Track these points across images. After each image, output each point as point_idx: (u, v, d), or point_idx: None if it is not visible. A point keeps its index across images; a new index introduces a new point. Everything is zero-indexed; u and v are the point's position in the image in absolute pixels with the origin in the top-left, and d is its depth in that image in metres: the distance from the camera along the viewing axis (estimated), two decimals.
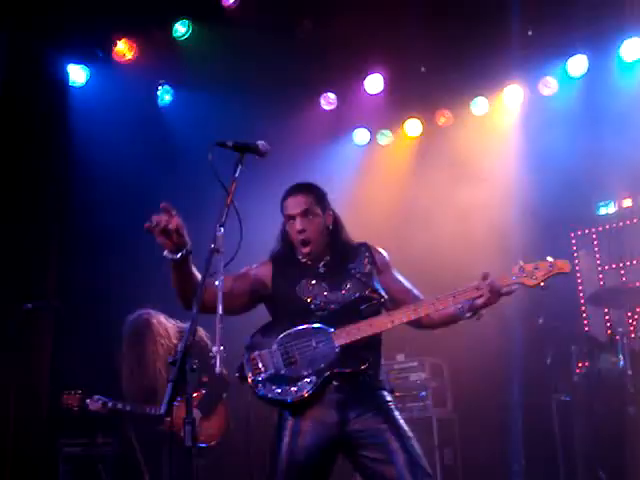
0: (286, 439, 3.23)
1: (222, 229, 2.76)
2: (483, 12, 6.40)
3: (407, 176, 7.66)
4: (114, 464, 6.10)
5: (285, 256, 3.57)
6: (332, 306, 3.37)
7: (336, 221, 3.60)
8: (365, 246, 3.59)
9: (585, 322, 7.21)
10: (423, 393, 6.44)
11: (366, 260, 3.52)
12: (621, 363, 5.79)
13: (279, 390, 3.23)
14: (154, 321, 5.33)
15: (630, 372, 5.72)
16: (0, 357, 5.31)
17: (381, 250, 3.60)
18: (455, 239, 6.94)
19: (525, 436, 6.60)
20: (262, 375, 3.27)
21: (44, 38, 6.53)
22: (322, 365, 3.23)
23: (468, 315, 3.27)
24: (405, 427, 3.24)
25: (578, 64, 7.01)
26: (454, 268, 5.95)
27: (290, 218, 3.48)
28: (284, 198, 3.52)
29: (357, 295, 3.38)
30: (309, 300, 3.40)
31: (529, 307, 6.58)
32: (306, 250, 3.46)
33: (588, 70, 7.00)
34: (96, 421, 5.92)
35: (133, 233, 6.69)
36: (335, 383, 3.25)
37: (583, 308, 7.27)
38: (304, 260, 3.52)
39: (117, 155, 6.63)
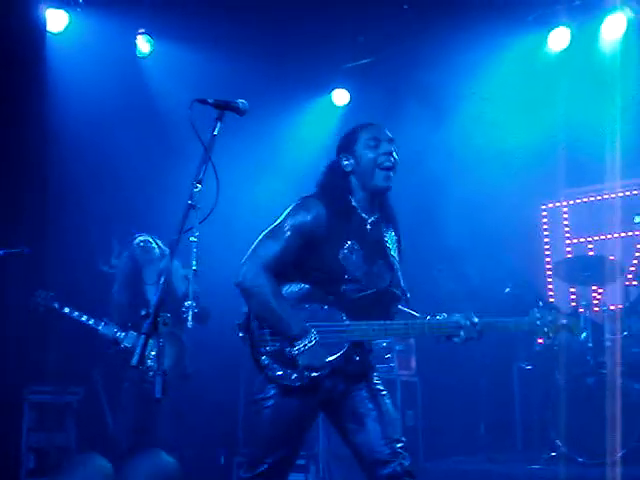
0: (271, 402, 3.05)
1: (199, 185, 2.77)
2: None
3: None
4: (79, 411, 6.16)
5: (337, 199, 3.16)
6: (361, 285, 3.09)
7: None
8: (395, 223, 3.30)
9: (551, 294, 7.36)
10: (388, 355, 6.54)
11: (394, 237, 3.27)
12: (583, 335, 5.92)
13: (280, 372, 2.99)
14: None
15: (591, 344, 5.86)
16: None
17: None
18: None
19: (485, 401, 6.75)
20: (268, 347, 3.03)
21: None
22: (325, 359, 2.98)
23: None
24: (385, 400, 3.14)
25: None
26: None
27: (374, 141, 3.15)
28: (360, 129, 3.21)
29: (385, 284, 3.14)
30: (349, 268, 3.08)
31: (497, 275, 6.71)
32: (387, 185, 3.14)
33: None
34: (65, 372, 5.97)
35: (109, 183, 6.78)
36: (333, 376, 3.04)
37: (550, 280, 7.42)
38: (359, 208, 3.17)
39: (95, 106, 6.57)
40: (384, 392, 3.17)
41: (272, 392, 3.03)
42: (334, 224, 3.07)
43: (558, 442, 5.53)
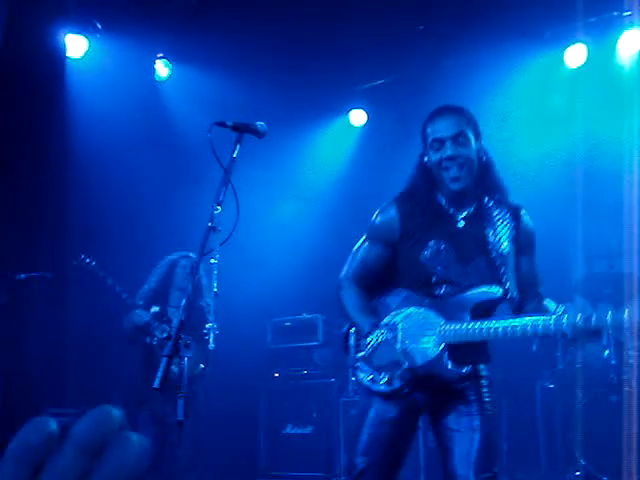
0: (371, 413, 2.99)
1: (219, 207, 2.80)
2: None
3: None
4: None
5: (419, 197, 3.02)
6: (451, 287, 2.94)
7: (488, 156, 3.05)
8: (515, 210, 3.04)
9: None
10: None
11: (507, 230, 2.99)
12: (606, 353, 5.87)
13: (370, 377, 2.96)
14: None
15: (614, 362, 5.80)
16: None
17: (529, 222, 3.07)
18: None
19: (507, 421, 6.68)
20: (361, 354, 2.99)
21: (43, 8, 6.48)
22: (419, 363, 2.89)
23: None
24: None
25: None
26: None
27: (437, 143, 2.96)
28: (428, 121, 3.05)
29: (477, 285, 2.91)
30: (434, 270, 2.94)
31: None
32: (458, 188, 2.93)
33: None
34: (86, 394, 5.98)
35: (130, 209, 6.84)
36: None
37: (573, 296, 7.36)
38: (446, 204, 3.01)
39: (114, 129, 6.64)
40: (479, 416, 2.96)
41: (361, 395, 3.03)
42: (410, 225, 2.98)
43: (582, 462, 5.47)
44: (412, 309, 2.93)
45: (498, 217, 3.00)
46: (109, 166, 6.62)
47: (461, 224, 2.98)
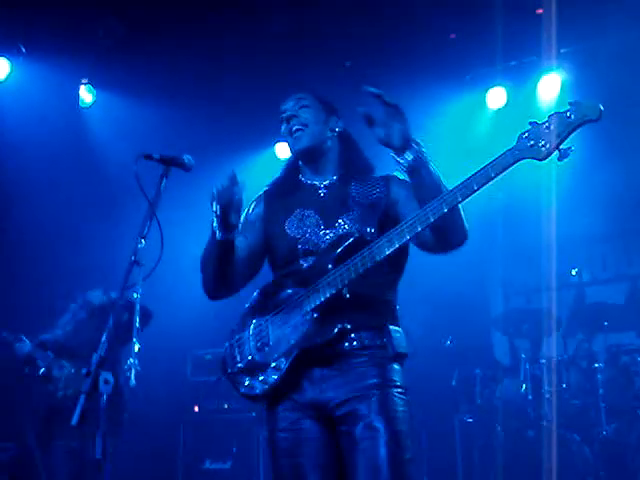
0: (272, 440, 2.73)
1: (143, 241, 2.75)
2: None
3: None
4: (10, 469, 5.94)
5: (283, 180, 3.04)
6: (320, 250, 2.76)
7: (348, 136, 3.02)
8: (386, 177, 2.93)
9: (492, 346, 7.45)
10: None
11: (377, 189, 2.87)
12: (523, 388, 6.00)
13: (247, 382, 2.75)
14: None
15: (531, 397, 5.93)
16: None
17: (404, 178, 2.77)
18: None
19: (427, 454, 6.73)
20: (237, 366, 2.79)
21: None
22: (291, 341, 2.65)
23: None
24: (390, 428, 2.57)
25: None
26: None
27: (283, 113, 2.98)
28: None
29: (348, 235, 2.71)
30: (298, 238, 2.83)
31: (438, 327, 6.77)
32: (301, 146, 2.91)
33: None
34: None
35: (51, 237, 6.67)
36: (310, 362, 2.66)
37: (489, 331, 7.52)
38: (305, 179, 2.98)
39: (36, 155, 6.50)
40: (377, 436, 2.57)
41: (270, 419, 2.76)
42: (273, 201, 2.99)
43: None
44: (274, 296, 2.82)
45: (366, 180, 2.92)
46: (29, 194, 6.47)
47: (323, 193, 2.92)
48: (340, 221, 2.79)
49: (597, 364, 5.92)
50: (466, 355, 6.57)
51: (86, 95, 7.12)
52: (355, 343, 2.65)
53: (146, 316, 5.35)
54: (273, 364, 2.68)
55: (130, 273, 2.68)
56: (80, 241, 6.66)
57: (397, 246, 2.53)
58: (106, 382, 2.46)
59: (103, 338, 2.56)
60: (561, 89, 6.96)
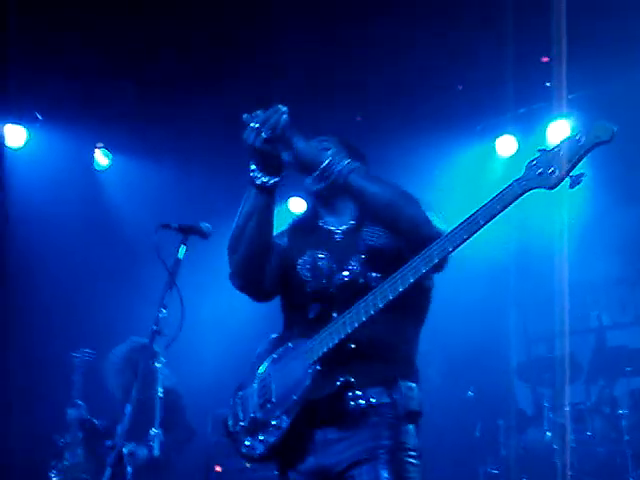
0: None
1: (164, 310, 2.78)
2: None
3: None
4: None
5: (305, 219, 2.81)
6: (327, 295, 2.56)
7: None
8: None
9: (514, 395, 7.39)
10: None
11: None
12: (547, 437, 5.93)
13: (248, 442, 2.53)
14: None
15: (555, 446, 5.85)
16: None
17: None
18: None
19: None
20: (240, 424, 2.57)
21: None
22: (294, 397, 2.44)
23: None
24: None
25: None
26: None
27: None
28: None
29: (352, 281, 2.55)
30: (307, 282, 2.61)
31: (459, 378, 6.73)
32: (314, 188, 2.62)
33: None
34: None
35: (70, 302, 6.71)
36: (313, 422, 2.46)
37: (511, 381, 7.45)
38: (322, 222, 2.74)
39: (54, 220, 6.59)
40: None
41: None
42: (292, 238, 2.75)
43: None
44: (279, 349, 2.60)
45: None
46: (45, 257, 6.53)
47: (339, 237, 2.69)
48: (352, 264, 2.55)
49: (621, 410, 5.85)
50: (488, 405, 6.52)
51: (102, 159, 7.23)
52: (361, 401, 2.43)
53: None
54: (274, 422, 2.47)
55: (153, 342, 2.71)
56: (99, 307, 6.69)
57: (401, 291, 2.33)
58: (131, 454, 2.48)
59: (128, 409, 2.59)
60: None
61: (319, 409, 2.43)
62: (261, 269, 2.59)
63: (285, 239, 2.74)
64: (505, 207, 2.24)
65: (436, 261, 2.29)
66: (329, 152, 2.51)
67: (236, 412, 2.59)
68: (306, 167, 2.45)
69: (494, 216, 2.24)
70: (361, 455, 2.40)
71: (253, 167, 2.46)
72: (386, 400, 2.45)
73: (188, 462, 6.67)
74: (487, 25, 5.95)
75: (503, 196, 2.25)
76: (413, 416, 2.49)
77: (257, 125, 2.39)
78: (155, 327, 2.71)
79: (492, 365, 7.30)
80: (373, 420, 2.43)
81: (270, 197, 2.51)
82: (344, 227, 2.71)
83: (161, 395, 2.67)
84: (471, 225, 2.26)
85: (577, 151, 2.15)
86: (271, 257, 2.62)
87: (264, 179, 2.47)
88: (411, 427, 2.48)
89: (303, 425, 2.45)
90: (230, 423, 2.61)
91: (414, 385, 2.53)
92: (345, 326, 2.39)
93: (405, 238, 2.48)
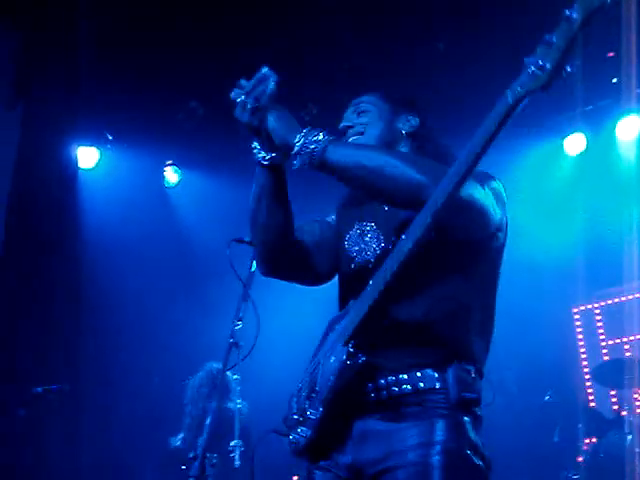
0: None
1: (240, 323, 2.83)
2: None
3: None
4: None
5: (351, 194, 2.51)
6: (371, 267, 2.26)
7: (425, 134, 2.44)
8: None
9: (591, 398, 7.24)
10: None
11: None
12: (628, 440, 5.78)
13: (292, 437, 2.26)
14: None
15: (638, 449, 5.70)
16: (10, 440, 5.33)
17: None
18: None
19: None
20: (293, 418, 2.30)
21: (56, 123, 6.67)
22: (329, 383, 2.14)
23: None
24: None
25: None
26: None
27: (339, 129, 2.47)
28: None
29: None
30: (353, 257, 2.36)
31: (535, 383, 6.63)
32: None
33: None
34: None
35: (144, 318, 6.83)
36: (353, 410, 2.16)
37: (588, 384, 7.30)
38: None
39: (126, 238, 6.74)
40: None
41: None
42: (341, 213, 2.54)
43: None
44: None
45: None
46: (121, 276, 6.67)
47: (387, 207, 2.37)
48: (403, 236, 2.07)
49: None
50: (566, 409, 6.40)
51: (171, 175, 7.40)
52: (407, 386, 2.10)
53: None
54: (310, 414, 2.19)
55: (229, 355, 2.76)
56: (174, 322, 6.78)
57: (418, 236, 1.97)
58: (212, 465, 2.52)
59: (208, 421, 2.64)
60: None
61: (355, 397, 2.13)
62: (284, 252, 2.39)
63: (334, 216, 2.56)
64: (501, 124, 1.88)
65: (439, 206, 1.93)
66: (302, 130, 2.13)
67: (291, 404, 2.34)
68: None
69: (492, 138, 1.89)
70: (404, 454, 2.05)
71: (254, 144, 2.27)
72: (436, 385, 2.09)
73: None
74: (552, 22, 5.89)
75: (496, 112, 1.89)
76: (469, 404, 2.11)
77: (242, 97, 2.18)
78: (231, 340, 2.76)
79: (568, 368, 7.18)
80: (420, 410, 2.09)
81: (277, 174, 2.29)
82: None
83: (239, 406, 2.71)
84: (470, 155, 1.92)
85: (569, 30, 1.73)
86: (294, 238, 2.41)
87: (264, 155, 2.25)
88: (466, 417, 2.10)
89: (341, 415, 2.16)
90: (286, 418, 2.34)
91: (471, 368, 2.15)
92: (373, 293, 2.07)
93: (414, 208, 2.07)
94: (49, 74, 6.38)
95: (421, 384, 2.08)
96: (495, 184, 2.26)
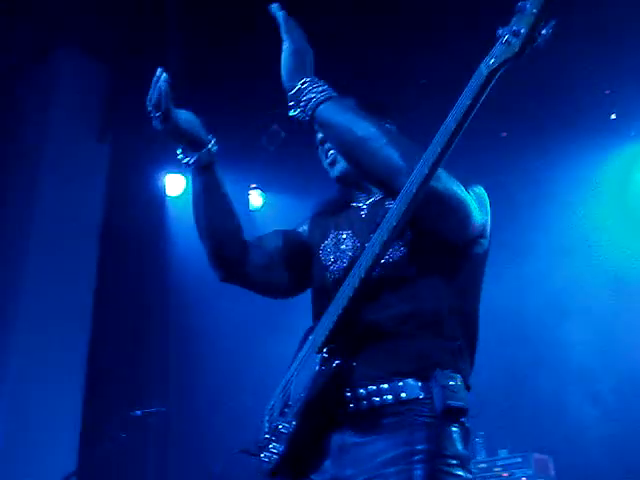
0: None
1: None
2: None
3: None
4: None
5: (329, 201, 2.48)
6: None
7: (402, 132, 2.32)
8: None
9: None
10: None
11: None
12: None
13: (264, 454, 2.13)
14: None
15: None
16: (111, 464, 5.50)
17: None
18: None
19: None
20: (265, 437, 2.16)
21: (145, 152, 6.88)
22: (302, 395, 2.01)
23: None
24: None
25: None
26: None
27: (316, 141, 2.40)
28: None
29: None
30: (329, 264, 2.25)
31: (634, 392, 6.44)
32: (335, 173, 2.33)
33: None
34: None
35: (236, 340, 6.92)
36: (329, 424, 2.01)
37: None
38: (348, 199, 2.39)
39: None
40: None
41: None
42: (315, 223, 2.46)
43: None
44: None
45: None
46: (207, 301, 6.76)
47: (364, 213, 2.30)
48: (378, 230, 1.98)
49: None
50: None
51: (256, 199, 7.53)
52: (388, 397, 1.95)
53: None
54: (282, 428, 2.05)
55: None
56: (258, 345, 6.83)
57: (394, 224, 1.89)
58: None
59: None
60: None
61: (332, 406, 1.99)
62: (235, 257, 2.35)
63: (306, 227, 2.47)
64: (476, 99, 1.77)
65: (414, 190, 1.83)
66: (307, 78, 2.08)
67: (263, 424, 2.19)
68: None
69: (467, 114, 1.78)
70: (385, 467, 1.90)
71: (178, 151, 2.26)
72: (420, 395, 1.95)
73: None
74: (634, 27, 5.81)
75: (471, 86, 1.78)
76: (455, 413, 1.95)
77: (149, 109, 2.16)
78: None
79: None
80: (403, 420, 1.93)
81: (208, 174, 2.27)
82: (371, 200, 2.33)
83: None
84: (445, 134, 1.81)
85: None
86: (244, 239, 2.38)
87: (188, 158, 2.25)
88: (453, 428, 1.94)
89: (316, 428, 2.01)
90: (259, 437, 2.19)
91: (458, 376, 2.00)
92: (344, 297, 1.97)
93: (385, 189, 2.03)
94: (137, 104, 6.59)
95: (403, 394, 1.94)
96: (478, 190, 2.16)
